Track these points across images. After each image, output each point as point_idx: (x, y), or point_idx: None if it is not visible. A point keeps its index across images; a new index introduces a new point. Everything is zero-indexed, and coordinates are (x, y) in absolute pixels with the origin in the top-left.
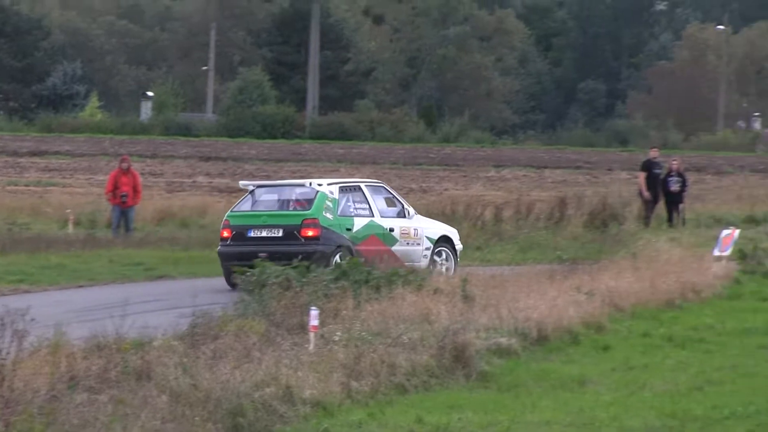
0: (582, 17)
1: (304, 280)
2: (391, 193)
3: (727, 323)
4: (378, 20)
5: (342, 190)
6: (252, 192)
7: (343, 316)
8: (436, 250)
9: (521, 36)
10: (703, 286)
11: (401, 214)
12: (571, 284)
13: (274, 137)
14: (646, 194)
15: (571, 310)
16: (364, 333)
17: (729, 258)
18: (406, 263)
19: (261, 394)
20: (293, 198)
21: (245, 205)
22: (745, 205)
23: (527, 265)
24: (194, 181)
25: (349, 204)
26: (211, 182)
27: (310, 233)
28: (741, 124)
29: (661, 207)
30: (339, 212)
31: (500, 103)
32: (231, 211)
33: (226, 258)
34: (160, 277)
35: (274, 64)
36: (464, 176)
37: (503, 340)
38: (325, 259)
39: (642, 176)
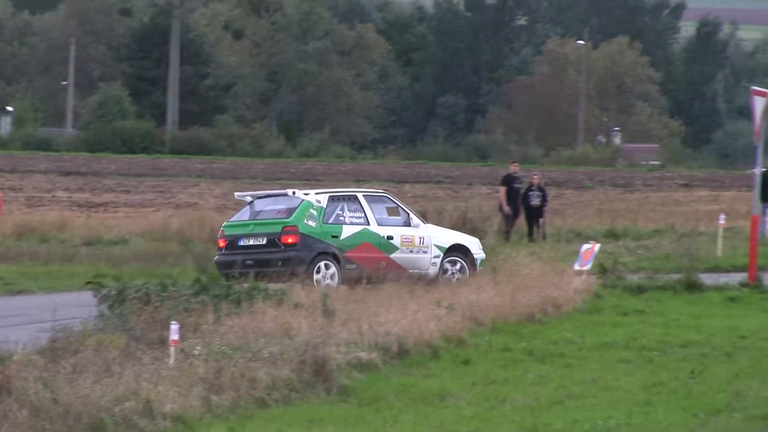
0: (442, 32)
1: (164, 294)
2: (396, 203)
3: (588, 337)
4: (238, 35)
5: (333, 199)
6: (251, 203)
7: (203, 330)
8: (448, 259)
9: (381, 51)
10: (564, 300)
11: (406, 223)
12: (431, 298)
13: (134, 152)
14: (507, 209)
15: (431, 325)
16: (224, 347)
17: (589, 272)
18: (411, 270)
19: (121, 408)
20: (281, 207)
21: (243, 216)
22: (605, 219)
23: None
24: (54, 196)
25: (339, 212)
26: (70, 197)
27: (289, 240)
28: (601, 138)
29: (521, 221)
30: (325, 220)
31: (360, 118)
32: (227, 222)
33: (221, 267)
34: (20, 292)
35: (134, 79)
36: None
37: (364, 355)
38: (303, 264)
39: (502, 191)
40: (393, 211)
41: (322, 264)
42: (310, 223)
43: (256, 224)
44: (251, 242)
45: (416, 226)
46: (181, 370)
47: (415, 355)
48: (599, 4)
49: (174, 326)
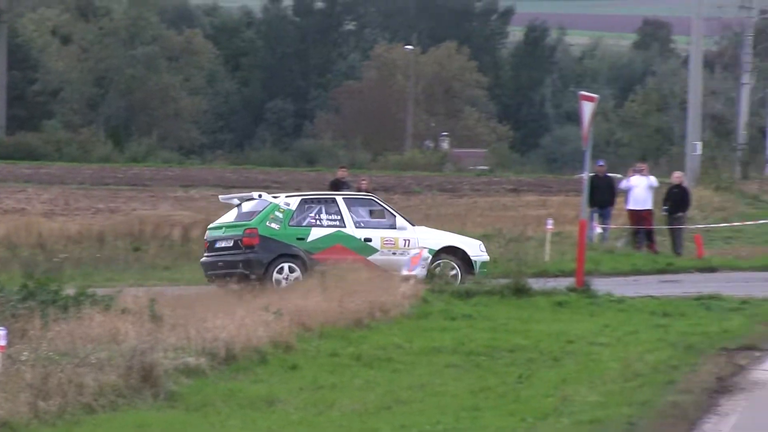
0: (270, 37)
1: None
2: (382, 206)
3: (415, 342)
4: (66, 40)
5: (306, 202)
6: (239, 205)
7: (30, 336)
8: (439, 261)
9: (209, 56)
10: (392, 305)
11: (391, 226)
12: (259, 304)
13: None
14: None
15: (259, 330)
16: (51, 353)
17: (417, 277)
18: (395, 272)
19: None
20: (251, 210)
21: (230, 218)
22: (433, 224)
23: (215, 284)
24: None
25: (310, 215)
26: None
27: (249, 242)
28: (429, 143)
29: None
30: (292, 223)
31: (188, 123)
32: (210, 224)
33: (203, 268)
34: None
35: None
36: (152, 196)
37: (191, 360)
38: (261, 267)
39: None
40: (377, 213)
41: (285, 266)
42: (273, 225)
43: (227, 227)
44: (223, 244)
45: (402, 228)
46: (8, 376)
47: (242, 360)
48: (428, 10)
49: (1, 332)
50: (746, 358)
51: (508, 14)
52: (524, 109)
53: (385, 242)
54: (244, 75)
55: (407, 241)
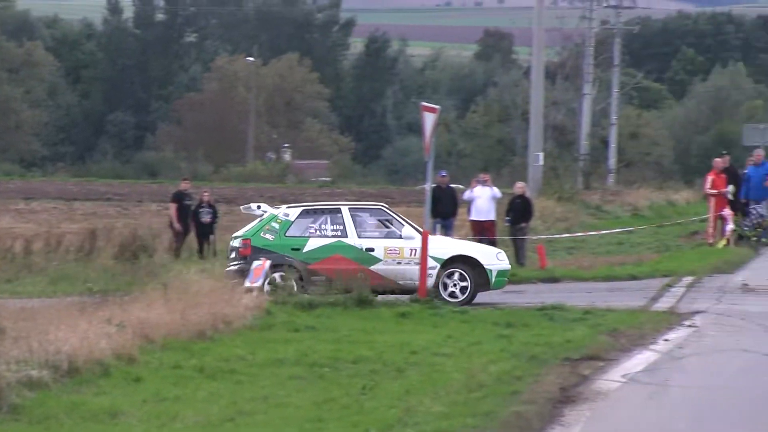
0: (111, 49)
1: None
2: (390, 215)
3: (259, 354)
4: None
5: (307, 212)
6: (261, 216)
7: None
8: (449, 271)
9: (50, 68)
10: (235, 317)
11: (398, 235)
12: (102, 316)
13: None
14: (177, 225)
15: (102, 342)
16: None
17: (260, 288)
18: (402, 282)
19: None
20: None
21: (248, 227)
22: None
23: (58, 297)
24: None
25: (311, 226)
26: None
27: (243, 253)
28: (271, 155)
29: (192, 238)
30: (289, 233)
31: (29, 135)
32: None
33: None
34: None
35: None
36: None
37: (34, 373)
38: None
39: (173, 207)
40: (384, 223)
41: (276, 276)
42: (268, 236)
43: (235, 237)
44: (232, 254)
45: (408, 237)
46: None
47: (85, 372)
48: (268, 21)
49: None
50: (589, 368)
51: (349, 26)
52: (366, 121)
53: (389, 251)
54: (85, 87)
55: (413, 251)
